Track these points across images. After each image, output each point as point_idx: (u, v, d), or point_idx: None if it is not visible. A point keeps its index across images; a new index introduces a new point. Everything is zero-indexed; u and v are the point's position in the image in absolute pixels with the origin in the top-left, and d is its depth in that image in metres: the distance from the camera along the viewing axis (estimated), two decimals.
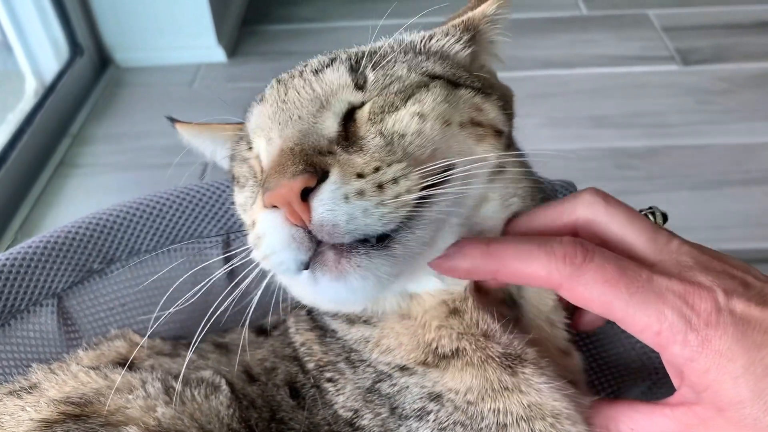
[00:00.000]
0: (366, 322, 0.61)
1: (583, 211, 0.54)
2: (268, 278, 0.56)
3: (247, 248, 0.55)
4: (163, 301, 0.63)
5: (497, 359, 0.55)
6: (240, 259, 0.55)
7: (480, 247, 0.54)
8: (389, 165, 0.50)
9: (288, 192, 0.47)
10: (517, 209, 0.59)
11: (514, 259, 0.52)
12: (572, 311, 0.64)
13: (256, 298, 0.57)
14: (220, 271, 0.59)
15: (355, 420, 0.57)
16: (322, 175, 0.48)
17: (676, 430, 0.51)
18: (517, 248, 0.52)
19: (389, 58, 0.58)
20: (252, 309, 0.57)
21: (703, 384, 0.47)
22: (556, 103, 2.01)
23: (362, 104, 0.56)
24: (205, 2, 2.18)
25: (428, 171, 0.50)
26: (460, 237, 0.56)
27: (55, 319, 0.76)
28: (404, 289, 0.59)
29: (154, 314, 0.61)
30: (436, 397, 0.56)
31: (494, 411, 0.54)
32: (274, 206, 0.48)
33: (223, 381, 0.59)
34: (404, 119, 0.54)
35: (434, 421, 0.55)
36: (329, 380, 0.60)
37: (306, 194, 0.47)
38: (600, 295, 0.49)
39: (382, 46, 0.60)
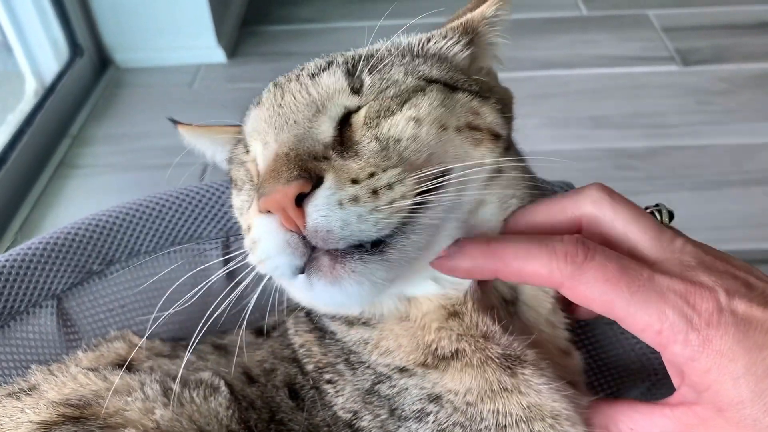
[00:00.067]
0: (365, 323, 0.61)
1: (588, 207, 0.54)
2: (265, 281, 0.56)
3: (245, 251, 0.55)
4: (161, 302, 0.63)
5: (497, 360, 0.55)
6: (238, 262, 0.55)
7: (480, 247, 0.54)
8: (384, 170, 0.50)
9: (282, 198, 0.47)
10: (515, 210, 0.59)
11: (515, 258, 0.52)
12: (568, 304, 0.63)
13: (253, 300, 0.57)
14: (218, 273, 0.59)
15: (355, 421, 0.57)
16: (316, 181, 0.48)
17: (675, 430, 0.51)
18: (518, 247, 0.52)
19: (386, 61, 0.58)
20: (249, 311, 0.57)
21: (704, 384, 0.47)
22: (556, 103, 2.01)
23: (358, 108, 0.56)
24: (205, 3, 2.18)
25: (423, 176, 0.50)
26: (458, 239, 0.55)
27: (55, 321, 0.76)
28: (401, 293, 0.59)
29: (153, 315, 0.61)
30: (435, 399, 0.55)
31: (493, 412, 0.54)
32: (269, 211, 0.49)
33: (222, 382, 0.59)
34: (400, 124, 0.54)
35: (434, 422, 0.55)
36: (328, 382, 0.60)
37: (301, 200, 0.47)
38: (601, 294, 0.49)
39: (379, 49, 0.60)
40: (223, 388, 0.59)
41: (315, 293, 0.51)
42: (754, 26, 2.32)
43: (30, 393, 0.61)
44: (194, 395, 0.57)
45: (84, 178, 1.82)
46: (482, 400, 0.54)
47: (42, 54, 2.00)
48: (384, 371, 0.58)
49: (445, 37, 0.63)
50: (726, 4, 2.43)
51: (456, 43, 0.63)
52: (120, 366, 0.62)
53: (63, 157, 1.89)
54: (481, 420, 0.54)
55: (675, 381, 0.53)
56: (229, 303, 0.56)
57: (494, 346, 0.56)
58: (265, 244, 0.50)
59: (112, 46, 2.26)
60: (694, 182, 1.70)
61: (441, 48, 0.62)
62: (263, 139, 0.57)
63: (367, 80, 0.57)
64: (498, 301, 0.61)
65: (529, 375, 0.55)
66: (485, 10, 0.63)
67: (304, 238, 0.48)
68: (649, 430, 0.53)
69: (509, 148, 0.61)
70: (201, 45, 2.27)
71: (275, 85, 0.61)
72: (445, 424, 0.54)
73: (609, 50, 2.24)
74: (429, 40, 0.63)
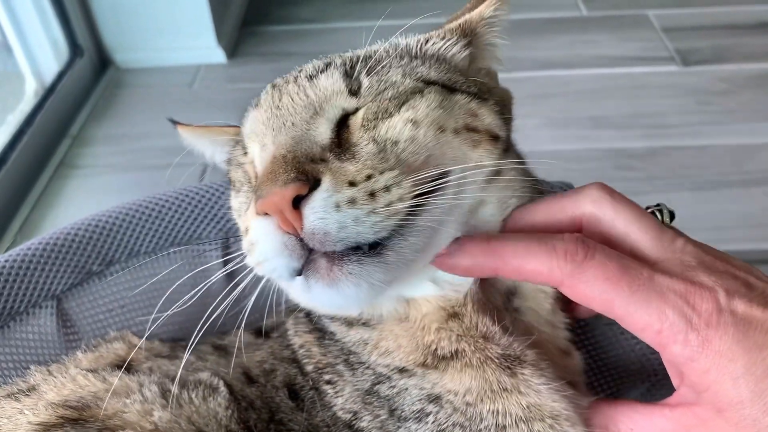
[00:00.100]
0: (365, 324, 0.61)
1: (588, 206, 0.54)
2: (263, 282, 0.56)
3: (243, 253, 0.55)
4: (161, 302, 0.63)
5: (496, 360, 0.55)
6: (238, 262, 0.55)
7: (481, 244, 0.54)
8: (381, 173, 0.50)
9: (279, 200, 0.47)
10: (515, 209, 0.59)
11: (515, 256, 0.52)
12: (567, 303, 0.63)
13: (252, 300, 0.57)
14: (218, 274, 0.59)
15: (354, 422, 0.57)
16: (314, 183, 0.48)
17: (675, 431, 0.51)
18: (518, 245, 0.52)
19: (384, 63, 0.58)
20: (248, 311, 0.57)
21: (703, 384, 0.47)
22: (555, 103, 2.01)
23: (356, 110, 0.56)
24: (205, 3, 2.18)
25: (421, 179, 0.50)
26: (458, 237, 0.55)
27: (55, 321, 0.76)
28: (400, 294, 0.59)
29: (152, 316, 0.61)
30: (435, 399, 0.55)
31: (493, 412, 0.54)
32: (266, 213, 0.49)
33: (222, 382, 0.59)
34: (397, 126, 0.54)
35: (433, 422, 0.55)
36: (328, 382, 0.60)
37: (298, 202, 0.47)
38: (601, 292, 0.49)
39: (377, 51, 0.60)
40: (222, 388, 0.59)
41: (313, 295, 0.51)
42: (754, 26, 2.32)
43: (29, 394, 0.61)
44: (193, 396, 0.57)
45: (84, 178, 1.82)
46: (482, 400, 0.54)
47: (42, 54, 2.00)
48: (383, 372, 0.58)
49: (444, 38, 0.63)
50: (726, 4, 2.43)
51: (454, 45, 0.62)
52: (119, 367, 0.62)
53: (63, 157, 1.89)
54: (481, 420, 0.54)
55: (675, 381, 0.53)
56: (228, 304, 0.56)
57: (494, 347, 0.56)
58: (262, 246, 0.50)
59: (112, 46, 2.26)
60: (694, 182, 1.70)
61: (439, 49, 0.62)
62: (261, 140, 0.57)
63: (365, 82, 0.57)
64: (500, 303, 0.61)
65: (528, 375, 0.55)
66: (483, 10, 0.63)
67: (301, 240, 0.48)
68: (649, 430, 0.53)
69: (508, 149, 0.61)
70: (201, 45, 2.27)
71: (273, 86, 0.61)
72: (445, 425, 0.54)
73: (609, 50, 2.24)
74: (427, 42, 0.63)
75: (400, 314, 0.60)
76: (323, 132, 0.54)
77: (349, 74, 0.57)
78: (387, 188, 0.49)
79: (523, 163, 0.63)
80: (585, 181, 0.59)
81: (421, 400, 0.56)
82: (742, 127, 1.87)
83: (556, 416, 0.53)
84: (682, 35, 2.29)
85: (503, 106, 0.62)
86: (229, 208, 0.69)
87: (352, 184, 0.49)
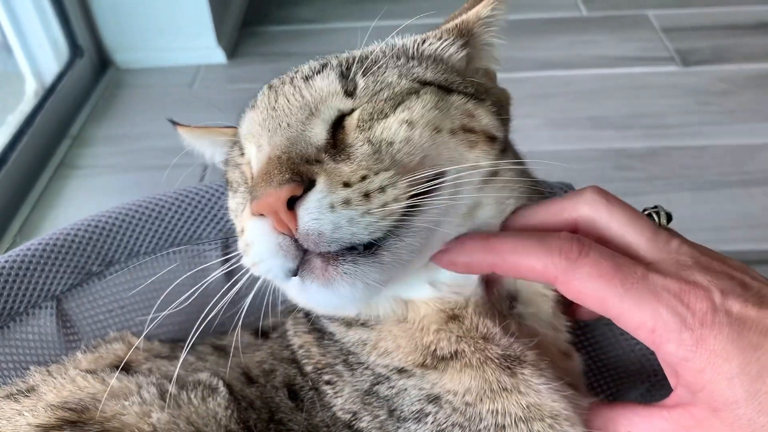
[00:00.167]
0: (363, 324, 0.61)
1: (584, 209, 0.54)
2: (259, 282, 0.56)
3: (240, 253, 0.55)
4: (158, 303, 0.63)
5: (496, 360, 0.55)
6: (236, 263, 0.56)
7: (479, 242, 0.54)
8: (376, 173, 0.50)
9: (274, 201, 0.47)
10: (512, 212, 0.59)
11: (512, 253, 0.53)
12: (568, 305, 0.64)
13: (248, 300, 0.57)
14: (215, 273, 0.59)
15: (354, 422, 0.57)
16: (308, 184, 0.48)
17: None
18: (515, 242, 0.53)
19: (380, 63, 0.58)
20: (244, 312, 0.58)
21: (698, 384, 0.47)
22: (555, 104, 2.01)
23: (352, 111, 0.56)
24: (205, 3, 2.18)
25: (417, 179, 0.50)
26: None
27: (54, 322, 0.76)
28: (398, 296, 0.59)
29: (150, 316, 0.61)
30: (434, 399, 0.56)
31: (492, 412, 0.54)
32: (261, 214, 0.49)
33: (221, 383, 0.59)
34: (392, 127, 0.54)
35: (433, 422, 0.55)
36: (327, 382, 0.60)
37: (293, 203, 0.47)
38: (595, 290, 0.49)
39: (374, 51, 0.60)
40: (222, 388, 0.59)
41: (309, 295, 0.51)
42: (754, 26, 2.32)
43: (28, 395, 0.61)
44: (192, 396, 0.57)
45: (84, 178, 1.82)
46: (481, 400, 0.54)
47: (42, 55, 2.00)
48: (383, 372, 0.58)
49: (441, 38, 0.63)
50: (726, 5, 2.43)
51: (451, 45, 0.62)
52: (119, 368, 0.62)
53: (63, 157, 1.89)
54: (480, 420, 0.54)
55: (671, 381, 0.53)
56: (224, 304, 0.56)
57: (494, 347, 0.56)
58: (257, 246, 0.50)
59: (112, 46, 2.26)
60: (694, 182, 1.69)
61: (436, 49, 0.62)
62: (257, 141, 0.57)
63: (361, 83, 0.57)
64: (503, 307, 0.61)
65: (528, 375, 0.55)
66: (480, 10, 0.63)
67: (296, 240, 0.48)
68: None
69: (506, 149, 0.61)
70: (201, 45, 2.27)
71: (270, 87, 0.61)
72: (444, 425, 0.54)
73: (609, 51, 2.24)
74: (424, 42, 0.63)
75: (399, 315, 0.60)
76: (319, 133, 0.54)
77: (344, 75, 0.57)
78: (382, 189, 0.49)
79: (521, 163, 0.63)
80: (585, 181, 0.59)
81: (420, 400, 0.56)
82: (742, 127, 1.87)
83: (555, 416, 0.54)
84: (682, 35, 2.29)
85: (501, 106, 0.62)
86: (227, 208, 0.69)
87: (346, 184, 0.49)
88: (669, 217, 0.57)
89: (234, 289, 0.56)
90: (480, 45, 0.65)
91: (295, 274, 0.50)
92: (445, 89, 0.58)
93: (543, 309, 0.62)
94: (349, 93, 0.56)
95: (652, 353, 0.74)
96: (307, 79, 0.58)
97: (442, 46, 0.62)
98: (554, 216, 0.56)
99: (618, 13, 2.45)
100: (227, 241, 0.82)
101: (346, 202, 0.48)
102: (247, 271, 0.55)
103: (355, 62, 0.58)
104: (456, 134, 0.56)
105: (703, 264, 0.50)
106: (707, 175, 1.71)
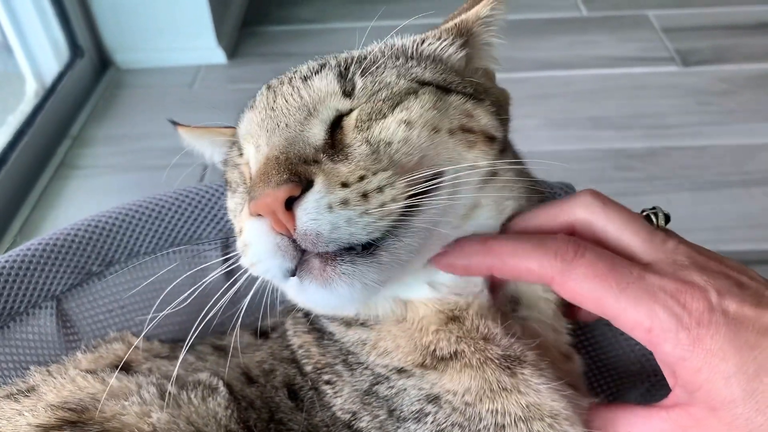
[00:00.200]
0: (363, 324, 0.61)
1: (580, 212, 0.55)
2: (258, 282, 0.56)
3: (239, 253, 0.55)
4: (158, 302, 0.63)
5: (496, 360, 0.55)
6: (234, 262, 0.56)
7: (477, 244, 0.55)
8: (374, 173, 0.50)
9: (272, 201, 0.47)
10: (512, 213, 0.59)
11: (510, 256, 0.53)
12: (569, 307, 0.64)
13: (247, 300, 0.57)
14: (215, 273, 0.59)
15: (354, 422, 0.57)
16: (306, 184, 0.48)
17: None
18: (513, 245, 0.53)
19: (379, 63, 0.58)
20: (243, 312, 0.58)
21: (696, 383, 0.47)
22: (555, 104, 2.01)
23: (350, 111, 0.56)
24: (205, 3, 2.18)
25: (415, 179, 0.50)
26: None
27: (54, 322, 0.76)
28: (397, 296, 0.59)
29: (149, 315, 0.61)
30: (434, 399, 0.56)
31: (492, 412, 0.54)
32: (260, 215, 0.49)
33: (221, 383, 0.59)
34: (391, 127, 0.54)
35: (432, 422, 0.55)
36: (327, 382, 0.60)
37: (291, 203, 0.47)
38: (591, 290, 0.49)
39: (372, 51, 0.60)
40: (222, 388, 0.59)
41: (307, 295, 0.51)
42: (754, 27, 2.32)
43: (28, 395, 0.61)
44: (192, 396, 0.57)
45: (84, 179, 1.82)
46: (481, 400, 0.54)
47: (42, 55, 2.00)
48: (382, 372, 0.58)
49: (440, 38, 0.63)
50: (726, 5, 2.43)
51: (450, 45, 0.62)
52: (119, 368, 0.62)
53: (63, 157, 1.89)
54: (480, 420, 0.54)
55: (669, 381, 0.53)
56: (223, 303, 0.56)
57: (494, 348, 0.56)
58: (256, 247, 0.50)
59: (112, 46, 2.26)
60: (694, 182, 1.69)
61: (435, 49, 0.62)
62: (255, 142, 0.57)
63: (359, 83, 0.57)
64: (507, 310, 0.61)
65: (528, 375, 0.55)
66: (480, 10, 0.63)
67: (294, 241, 0.48)
68: None
69: (505, 150, 0.61)
70: (201, 46, 2.27)
71: (268, 87, 0.61)
72: (444, 425, 0.54)
73: (609, 51, 2.24)
74: (423, 42, 0.63)
75: (398, 315, 0.60)
76: (317, 133, 0.54)
77: (343, 75, 0.57)
78: (380, 189, 0.49)
79: (520, 163, 0.63)
80: (585, 181, 0.59)
81: (419, 400, 0.56)
82: (742, 127, 1.87)
83: (555, 415, 0.54)
84: (682, 35, 2.29)
85: (500, 106, 0.62)
86: (227, 208, 0.69)
87: (344, 185, 0.49)
88: (667, 218, 0.57)
89: (233, 289, 0.56)
90: (479, 45, 0.65)
91: (293, 275, 0.50)
92: (443, 89, 0.58)
93: (544, 312, 0.62)
94: (348, 93, 0.56)
95: (652, 353, 0.75)
96: (305, 79, 0.58)
97: (441, 46, 0.62)
98: (551, 219, 0.57)
99: (618, 13, 2.45)
100: (227, 241, 0.82)
101: (344, 203, 0.48)
102: (246, 271, 0.55)
103: (354, 62, 0.58)
104: (454, 134, 0.56)
105: (699, 264, 0.50)
106: (707, 175, 1.71)
